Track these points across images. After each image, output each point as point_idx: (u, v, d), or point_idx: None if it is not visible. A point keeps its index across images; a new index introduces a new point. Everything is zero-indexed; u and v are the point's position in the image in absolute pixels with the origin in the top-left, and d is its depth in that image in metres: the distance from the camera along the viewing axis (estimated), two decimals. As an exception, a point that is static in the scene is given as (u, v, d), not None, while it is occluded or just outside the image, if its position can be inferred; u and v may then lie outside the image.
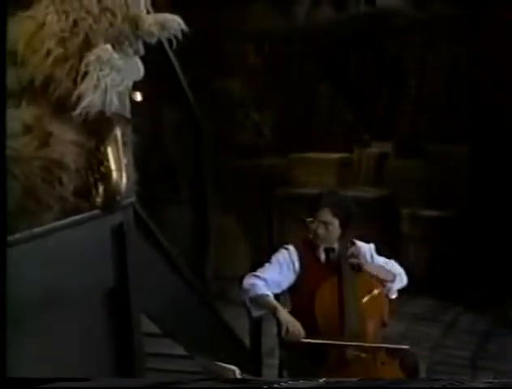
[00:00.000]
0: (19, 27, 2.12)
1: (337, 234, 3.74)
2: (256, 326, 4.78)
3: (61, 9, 2.13)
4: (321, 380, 1.76)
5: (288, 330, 3.42)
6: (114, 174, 2.21)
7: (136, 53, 2.29)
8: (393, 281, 3.78)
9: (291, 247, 3.79)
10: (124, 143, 2.33)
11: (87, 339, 2.60)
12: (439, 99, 8.49)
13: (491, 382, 1.96)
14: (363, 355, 3.50)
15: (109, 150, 2.22)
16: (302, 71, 9.29)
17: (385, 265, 3.82)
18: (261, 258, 3.84)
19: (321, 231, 3.69)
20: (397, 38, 8.71)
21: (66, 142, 2.11)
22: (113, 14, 2.17)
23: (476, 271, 6.91)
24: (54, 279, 2.25)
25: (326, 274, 3.72)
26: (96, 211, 2.38)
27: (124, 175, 2.25)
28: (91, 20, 2.13)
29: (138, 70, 2.29)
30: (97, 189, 2.22)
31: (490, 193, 7.11)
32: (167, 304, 3.55)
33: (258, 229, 7.98)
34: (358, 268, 3.67)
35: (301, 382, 1.73)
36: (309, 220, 3.73)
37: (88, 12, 2.14)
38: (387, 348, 3.59)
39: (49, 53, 2.08)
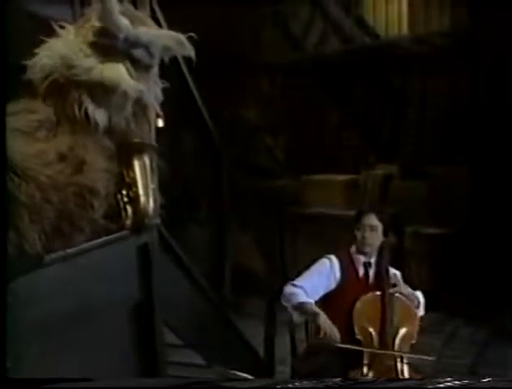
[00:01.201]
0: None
1: (379, 241, 3.82)
2: (269, 337, 4.79)
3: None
4: (336, 379, 1.75)
5: (325, 333, 3.47)
6: (142, 199, 2.22)
7: (147, 69, 2.28)
8: (418, 307, 3.84)
9: (333, 257, 3.86)
10: (151, 170, 2.35)
11: (114, 347, 2.63)
12: (440, 124, 8.49)
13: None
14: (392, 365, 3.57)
15: (138, 176, 2.24)
16: (312, 99, 9.32)
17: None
18: (274, 274, 3.88)
19: (368, 234, 3.80)
20: (399, 68, 8.75)
21: (97, 169, 2.13)
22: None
23: (475, 285, 6.89)
24: (86, 294, 2.29)
25: (363, 290, 3.78)
26: (124, 232, 2.41)
27: (151, 199, 2.26)
28: None
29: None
30: (126, 212, 2.23)
31: (488, 212, 7.10)
32: (187, 317, 3.57)
33: (270, 246, 8.00)
34: (399, 291, 3.76)
35: (314, 382, 1.73)
36: (357, 226, 3.82)
37: None
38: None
39: None
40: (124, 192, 2.24)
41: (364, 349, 3.58)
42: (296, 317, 3.76)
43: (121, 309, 2.64)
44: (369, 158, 8.96)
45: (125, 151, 2.23)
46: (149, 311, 2.82)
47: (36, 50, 2.11)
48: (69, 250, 2.14)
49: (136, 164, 2.25)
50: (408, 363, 3.66)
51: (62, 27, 2.18)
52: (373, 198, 8.43)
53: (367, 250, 3.83)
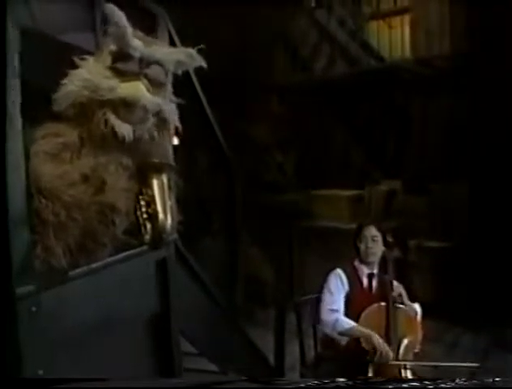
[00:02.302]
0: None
1: (381, 251, 3.87)
2: (279, 345, 4.79)
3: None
4: (341, 379, 1.74)
5: (381, 354, 3.51)
6: (160, 215, 2.23)
7: (161, 85, 2.29)
8: (415, 316, 3.86)
9: (339, 271, 3.92)
10: (169, 188, 2.36)
11: (135, 356, 2.64)
12: (441, 142, 8.49)
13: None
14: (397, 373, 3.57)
15: (156, 194, 2.25)
16: (320, 118, 9.34)
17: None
18: (283, 284, 3.89)
19: (371, 244, 3.90)
20: (403, 89, 8.75)
21: (118, 188, 2.14)
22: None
23: (475, 296, 6.86)
24: (108, 307, 2.30)
25: (368, 299, 3.81)
26: (144, 248, 2.43)
27: (169, 216, 2.27)
28: None
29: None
30: (146, 228, 2.25)
31: (487, 226, 7.08)
32: (202, 327, 3.57)
33: (280, 257, 7.99)
34: (401, 302, 3.78)
35: (322, 382, 1.71)
36: (359, 238, 3.88)
37: None
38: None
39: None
40: (143, 209, 2.25)
41: (417, 363, 3.62)
42: (342, 340, 3.80)
43: (140, 320, 2.66)
44: (373, 174, 8.97)
45: (144, 171, 2.24)
46: (166, 321, 2.82)
47: (62, 82, 2.13)
48: (93, 265, 2.15)
49: (154, 183, 2.26)
50: (412, 370, 3.67)
51: (83, 59, 2.22)
52: (378, 213, 8.44)
53: (371, 259, 3.89)
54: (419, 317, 3.91)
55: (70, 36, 2.83)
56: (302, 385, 1.67)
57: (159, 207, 2.25)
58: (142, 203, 2.25)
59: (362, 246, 3.91)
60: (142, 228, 2.26)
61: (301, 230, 8.22)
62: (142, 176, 2.25)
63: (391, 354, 3.59)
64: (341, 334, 3.75)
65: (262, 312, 6.13)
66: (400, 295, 3.82)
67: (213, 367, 4.00)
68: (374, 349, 3.59)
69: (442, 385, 1.71)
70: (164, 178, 2.31)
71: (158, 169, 2.27)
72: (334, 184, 8.73)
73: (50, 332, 1.88)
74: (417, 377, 3.66)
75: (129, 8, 3.05)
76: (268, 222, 7.91)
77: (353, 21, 9.33)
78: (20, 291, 1.74)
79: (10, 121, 1.76)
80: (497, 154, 7.08)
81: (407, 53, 8.91)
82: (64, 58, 2.55)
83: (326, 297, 3.86)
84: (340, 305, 3.82)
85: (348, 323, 3.72)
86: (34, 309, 1.79)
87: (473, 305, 6.77)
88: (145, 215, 2.25)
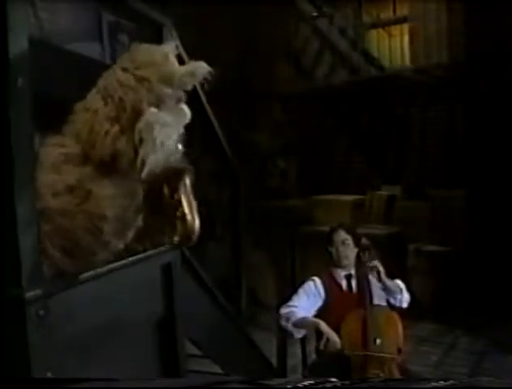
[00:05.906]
0: (79, 118, 2.12)
1: (354, 252, 3.88)
2: (282, 347, 4.79)
3: (106, 93, 2.14)
4: (333, 379, 1.73)
5: (328, 340, 3.52)
6: (188, 217, 2.25)
7: (178, 101, 2.23)
8: (401, 293, 3.85)
9: (316, 278, 3.94)
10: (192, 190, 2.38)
11: (141, 359, 2.64)
12: (440, 149, 8.51)
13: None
14: (381, 374, 3.54)
15: (182, 196, 2.26)
16: (321, 125, 9.37)
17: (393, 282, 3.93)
18: (285, 288, 3.91)
19: (341, 248, 3.91)
20: (403, 97, 8.78)
21: (104, 197, 2.11)
22: (149, 81, 2.16)
23: (473, 299, 6.86)
24: (114, 310, 2.30)
25: (349, 301, 3.81)
26: (148, 253, 2.45)
27: (196, 217, 2.29)
28: (131, 93, 2.15)
29: (184, 114, 2.27)
30: (175, 230, 2.26)
31: (484, 231, 7.09)
32: (206, 329, 3.57)
33: (282, 262, 7.99)
34: (378, 275, 3.78)
35: (314, 383, 1.70)
36: (330, 244, 3.90)
37: (127, 87, 2.14)
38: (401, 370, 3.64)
39: (106, 133, 2.09)
40: (172, 212, 2.26)
41: (367, 353, 3.60)
42: (297, 332, 3.79)
43: (146, 324, 2.65)
44: (374, 180, 8.98)
45: (169, 175, 2.24)
46: (171, 325, 2.82)
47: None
48: (99, 269, 2.15)
49: (180, 186, 2.27)
50: (400, 370, 3.65)
51: None
52: (378, 218, 8.44)
53: (344, 262, 3.92)
54: (404, 291, 3.91)
55: (76, 46, 2.85)
56: (300, 385, 1.66)
57: (186, 209, 2.27)
58: (171, 206, 2.27)
59: (333, 251, 3.94)
60: (170, 231, 2.28)
61: (303, 235, 8.23)
62: (167, 180, 2.26)
63: (338, 341, 3.57)
64: (295, 325, 3.74)
65: (266, 315, 6.13)
66: (379, 272, 3.82)
67: (216, 369, 4.01)
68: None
69: (434, 384, 1.71)
70: (187, 181, 2.32)
71: (181, 173, 2.28)
72: (336, 189, 8.76)
73: (58, 336, 1.88)
74: (409, 375, 3.64)
75: (136, 20, 3.09)
76: (271, 227, 7.92)
77: (354, 30, 9.37)
78: (29, 295, 1.75)
79: (18, 130, 1.76)
80: (494, 160, 7.08)
81: (407, 61, 8.94)
82: (71, 68, 2.57)
83: (291, 298, 3.88)
84: (302, 304, 3.81)
85: (303, 314, 3.73)
86: (42, 312, 1.80)
87: (471, 307, 6.77)
88: (174, 218, 2.27)
